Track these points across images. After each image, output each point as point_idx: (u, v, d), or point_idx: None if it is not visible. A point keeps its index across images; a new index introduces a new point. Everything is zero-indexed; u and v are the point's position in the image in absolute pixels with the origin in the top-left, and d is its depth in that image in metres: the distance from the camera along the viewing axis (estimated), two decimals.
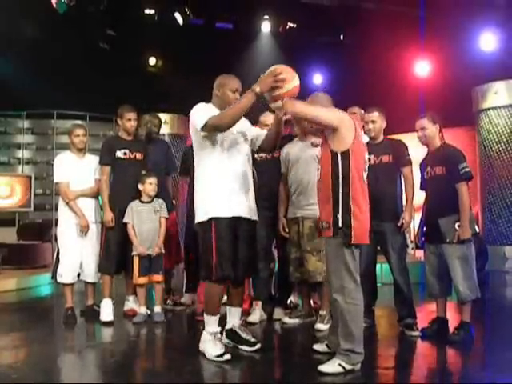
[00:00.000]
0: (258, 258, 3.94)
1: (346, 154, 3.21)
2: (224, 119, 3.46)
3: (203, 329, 3.67)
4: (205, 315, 3.65)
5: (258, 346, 3.70)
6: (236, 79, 3.73)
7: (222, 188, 3.56)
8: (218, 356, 3.47)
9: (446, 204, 3.99)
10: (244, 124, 3.74)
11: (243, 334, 3.75)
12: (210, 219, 3.54)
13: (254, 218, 3.73)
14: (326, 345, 3.55)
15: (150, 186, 4.79)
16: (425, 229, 4.28)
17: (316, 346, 3.64)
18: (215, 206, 3.54)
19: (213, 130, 3.51)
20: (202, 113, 3.55)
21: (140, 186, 4.80)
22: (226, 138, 3.61)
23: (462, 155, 4.07)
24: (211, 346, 3.54)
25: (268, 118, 4.58)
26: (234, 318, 3.79)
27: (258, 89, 3.39)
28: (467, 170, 3.98)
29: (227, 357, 3.47)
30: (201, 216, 3.60)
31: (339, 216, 3.17)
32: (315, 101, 3.50)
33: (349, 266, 3.19)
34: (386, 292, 4.81)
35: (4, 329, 4.60)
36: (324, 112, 3.27)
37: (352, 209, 3.18)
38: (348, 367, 3.15)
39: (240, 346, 3.72)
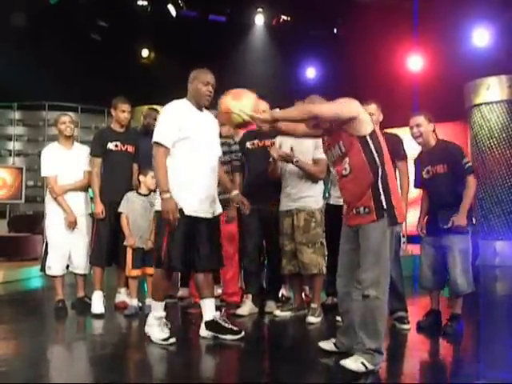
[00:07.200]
0: (221, 250, 3.95)
1: (373, 134, 3.13)
2: (155, 166, 3.60)
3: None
4: (151, 301, 3.78)
5: (242, 334, 3.71)
6: (208, 73, 3.76)
7: (187, 186, 3.60)
8: (163, 340, 3.60)
9: (451, 200, 4.03)
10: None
11: (225, 324, 3.75)
12: None
13: (217, 213, 3.83)
14: (334, 344, 3.39)
15: (152, 179, 4.74)
16: (425, 221, 4.30)
17: (322, 344, 3.43)
18: (183, 200, 3.59)
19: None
20: (161, 126, 3.65)
21: (141, 178, 4.76)
22: (197, 140, 3.66)
23: (462, 150, 4.15)
24: (157, 330, 3.66)
25: None
26: (210, 310, 3.79)
27: (165, 197, 3.49)
28: (470, 164, 4.07)
29: (172, 340, 3.60)
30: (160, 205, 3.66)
31: (382, 198, 3.06)
32: (313, 103, 3.44)
33: (387, 255, 3.07)
34: None
35: None
36: (343, 105, 3.14)
37: (391, 188, 3.11)
38: (370, 367, 2.98)
39: (223, 336, 3.70)
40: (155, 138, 3.63)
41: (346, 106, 3.13)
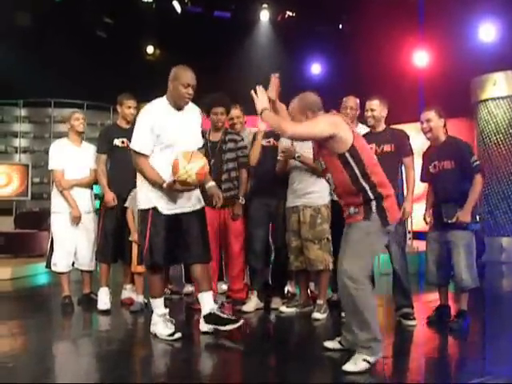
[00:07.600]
0: (208, 244, 3.91)
1: (352, 150, 3.14)
2: (141, 172, 3.69)
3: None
4: (151, 299, 3.81)
5: (242, 321, 3.73)
6: (189, 73, 3.71)
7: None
8: (168, 335, 3.63)
9: (456, 196, 4.04)
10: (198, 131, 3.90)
11: (224, 315, 3.77)
12: (149, 209, 3.68)
13: (197, 207, 3.83)
14: (339, 342, 3.41)
15: None
16: (431, 212, 4.30)
17: (327, 344, 3.45)
18: (157, 200, 3.67)
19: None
20: (139, 133, 3.67)
21: None
22: (173, 143, 3.67)
23: (471, 148, 4.19)
24: (162, 326, 3.70)
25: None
26: (207, 304, 3.78)
27: (166, 183, 3.55)
28: (478, 162, 4.08)
29: (177, 335, 3.63)
30: (142, 204, 3.75)
31: (373, 203, 3.13)
32: (305, 101, 3.43)
33: (369, 254, 3.18)
34: (384, 282, 4.82)
35: (0, 317, 4.60)
36: (316, 126, 3.18)
37: (382, 193, 3.15)
38: (372, 360, 3.01)
39: (224, 328, 3.70)
40: (134, 146, 3.68)
41: (320, 126, 3.16)
